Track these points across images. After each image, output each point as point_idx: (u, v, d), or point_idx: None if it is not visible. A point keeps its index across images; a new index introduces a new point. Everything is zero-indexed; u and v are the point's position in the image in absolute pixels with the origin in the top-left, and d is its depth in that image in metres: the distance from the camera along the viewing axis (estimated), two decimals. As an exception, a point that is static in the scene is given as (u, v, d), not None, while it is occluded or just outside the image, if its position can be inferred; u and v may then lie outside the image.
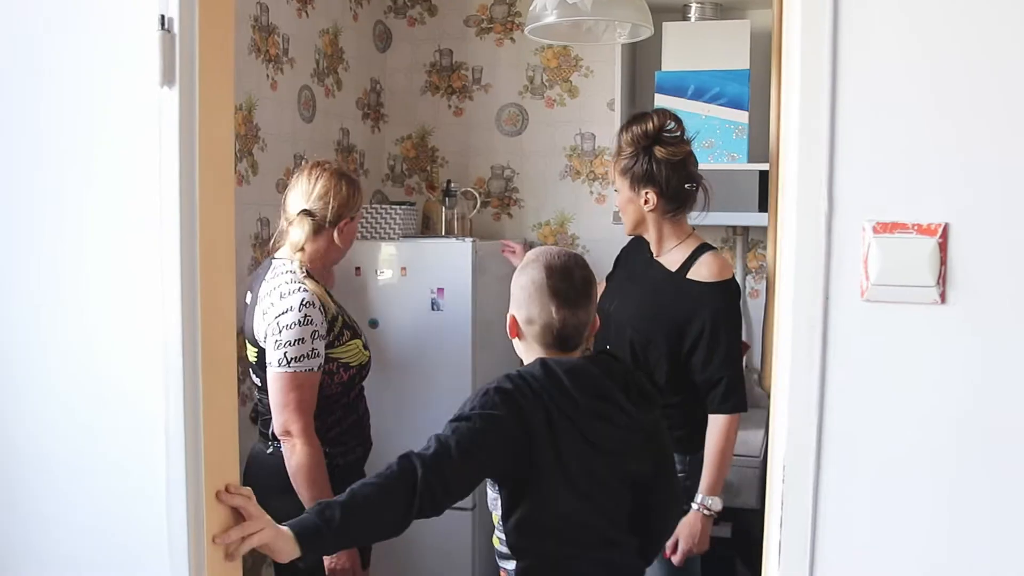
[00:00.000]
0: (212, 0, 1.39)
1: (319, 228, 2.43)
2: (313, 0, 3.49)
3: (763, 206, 3.41)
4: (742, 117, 3.45)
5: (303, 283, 2.36)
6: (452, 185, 3.76)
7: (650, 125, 2.44)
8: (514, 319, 1.92)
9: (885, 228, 1.18)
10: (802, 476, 1.21)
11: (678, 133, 2.48)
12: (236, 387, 1.50)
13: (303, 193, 2.45)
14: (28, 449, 1.48)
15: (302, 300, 2.31)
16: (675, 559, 2.45)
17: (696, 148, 3.46)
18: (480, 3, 4.01)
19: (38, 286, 1.46)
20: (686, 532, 2.43)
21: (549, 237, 3.98)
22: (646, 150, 2.45)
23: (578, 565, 1.87)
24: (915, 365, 1.19)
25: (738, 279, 3.72)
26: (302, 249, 2.41)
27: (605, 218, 3.79)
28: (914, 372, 1.19)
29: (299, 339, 2.29)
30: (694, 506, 2.44)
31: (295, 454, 2.30)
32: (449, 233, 3.72)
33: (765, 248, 3.77)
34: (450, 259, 3.32)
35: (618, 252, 2.85)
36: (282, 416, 2.30)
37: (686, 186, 2.49)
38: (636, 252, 2.67)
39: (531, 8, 2.58)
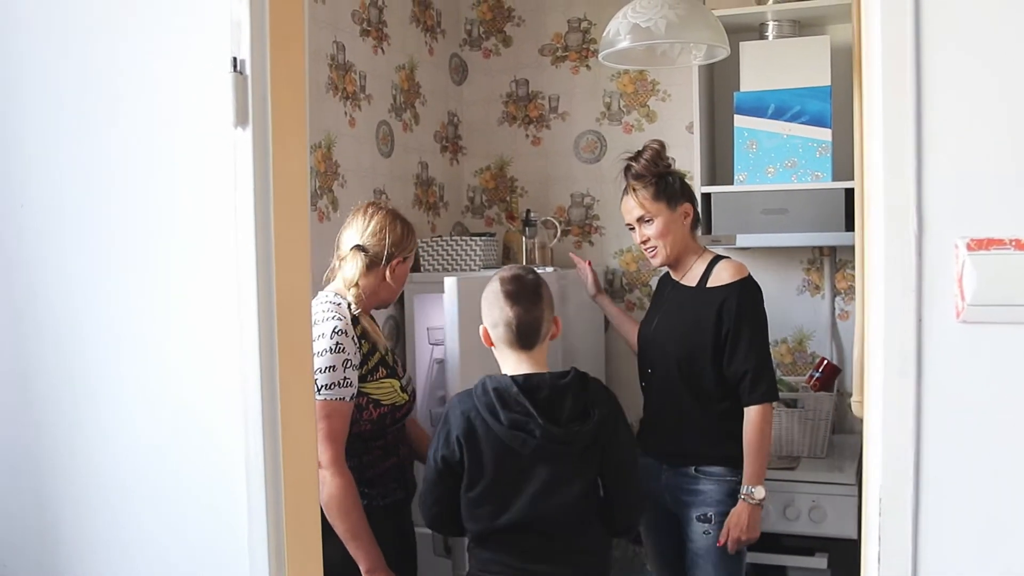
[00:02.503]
0: (284, 41, 1.41)
1: (372, 265, 2.45)
2: (389, 36, 3.54)
3: (850, 225, 3.31)
4: (825, 135, 3.36)
5: (338, 312, 2.37)
6: (532, 215, 3.75)
7: (654, 151, 2.69)
8: (484, 329, 2.25)
9: (980, 245, 1.12)
10: (900, 509, 1.15)
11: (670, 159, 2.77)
12: (314, 421, 1.51)
13: (357, 230, 2.48)
14: (109, 479, 1.50)
15: (334, 328, 2.32)
16: (729, 547, 2.59)
17: (779, 167, 3.44)
18: (555, 32, 4.01)
19: (119, 321, 1.49)
20: (735, 521, 2.57)
21: (632, 264, 3.93)
22: (667, 171, 2.69)
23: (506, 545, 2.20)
24: (1017, 388, 1.12)
25: (826, 301, 3.63)
26: (356, 285, 2.42)
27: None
28: (1017, 396, 1.12)
29: (330, 367, 2.29)
30: (740, 496, 2.57)
31: (325, 486, 2.24)
32: (531, 263, 3.71)
33: (853, 269, 3.65)
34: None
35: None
36: None
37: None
38: (663, 285, 2.87)
39: (604, 34, 2.57)
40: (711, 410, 2.68)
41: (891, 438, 1.14)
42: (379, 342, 2.47)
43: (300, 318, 1.44)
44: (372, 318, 2.53)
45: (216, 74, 1.37)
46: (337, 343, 2.31)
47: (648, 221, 2.71)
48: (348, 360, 2.33)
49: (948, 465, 1.14)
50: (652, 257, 2.76)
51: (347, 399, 2.32)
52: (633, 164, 2.71)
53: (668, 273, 2.85)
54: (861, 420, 3.60)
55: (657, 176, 2.68)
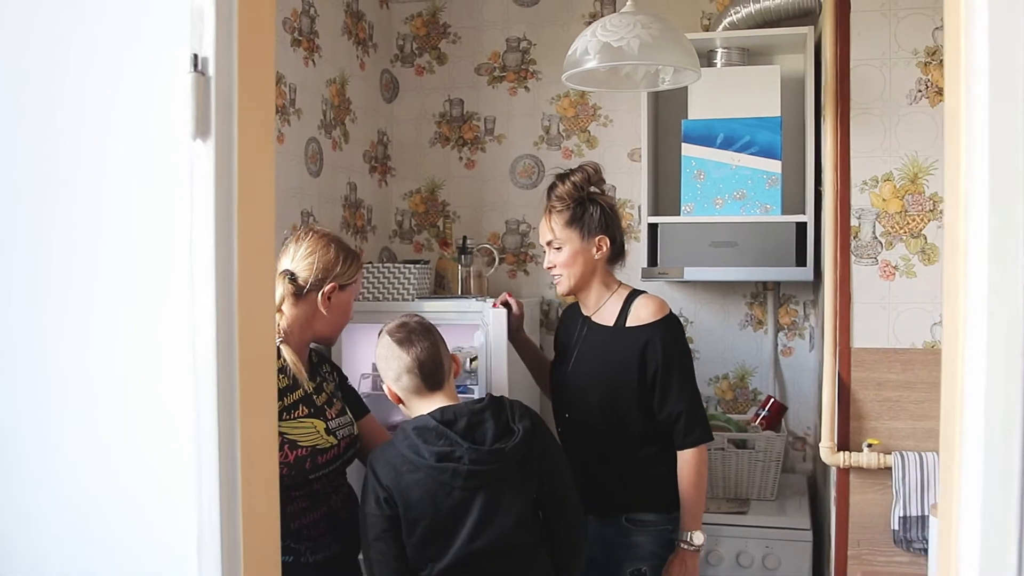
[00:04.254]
0: (254, 35, 1.18)
1: (300, 292, 2.26)
2: (320, 48, 3.30)
3: (800, 260, 3.22)
4: (775, 167, 3.26)
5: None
6: (468, 242, 3.55)
7: (583, 175, 2.49)
8: (390, 389, 2.22)
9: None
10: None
11: (603, 182, 2.58)
12: (277, 474, 1.27)
13: (290, 255, 2.31)
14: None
15: None
16: None
17: (727, 199, 3.33)
18: (492, 50, 3.83)
19: (54, 361, 1.22)
20: (677, 571, 2.46)
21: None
22: (589, 199, 2.50)
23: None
24: None
25: (769, 336, 3.53)
26: (280, 312, 2.22)
27: (630, 271, 3.58)
28: None
29: None
30: (679, 544, 2.46)
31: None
32: (466, 292, 3.50)
33: (798, 303, 3.56)
34: (476, 320, 3.09)
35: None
36: None
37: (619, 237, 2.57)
38: (569, 319, 2.68)
39: (569, 53, 2.39)
40: (637, 455, 2.53)
41: (993, 515, 0.97)
42: (301, 378, 2.26)
43: (265, 366, 1.20)
44: (319, 352, 2.30)
45: (172, 74, 1.13)
46: None
47: (558, 248, 2.54)
48: None
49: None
50: (556, 284, 2.61)
51: None
52: (558, 184, 2.53)
53: (577, 305, 2.68)
54: (806, 459, 3.53)
55: (577, 202, 2.50)
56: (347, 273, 2.31)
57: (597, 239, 2.51)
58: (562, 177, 2.53)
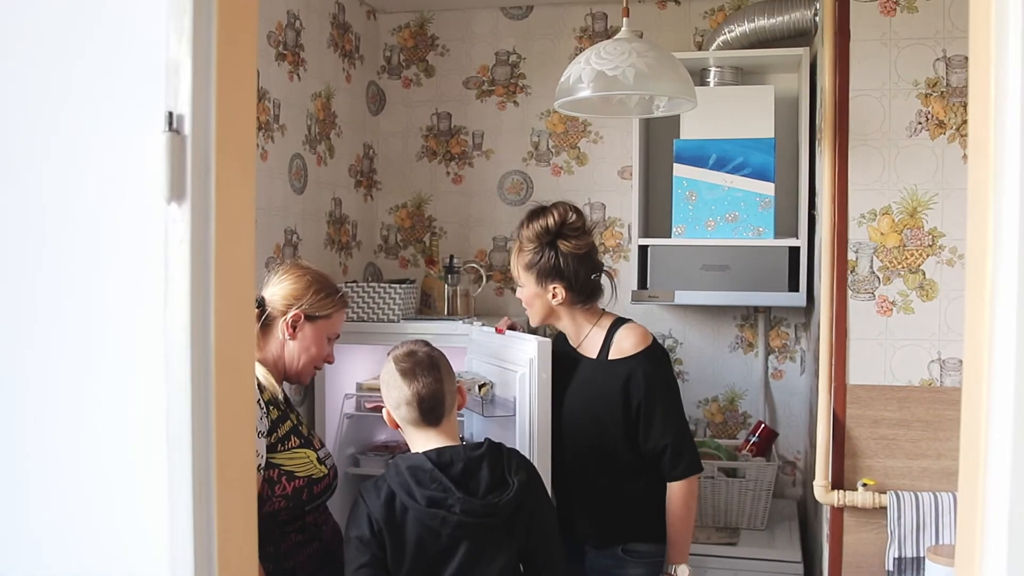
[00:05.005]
0: (233, 91, 1.10)
1: (268, 319, 2.22)
2: (305, 61, 3.22)
3: (793, 285, 3.17)
4: (768, 189, 3.20)
5: None
6: (455, 260, 3.47)
7: (551, 220, 2.43)
8: (388, 414, 2.15)
9: None
10: None
11: (580, 225, 2.47)
12: (256, 541, 1.20)
13: (266, 284, 2.30)
14: None
15: None
16: None
17: (719, 221, 3.27)
18: (481, 64, 3.76)
19: (28, 439, 1.14)
20: None
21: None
22: (550, 245, 2.44)
23: None
24: None
25: (760, 359, 3.48)
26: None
27: (619, 292, 3.52)
28: None
29: None
30: None
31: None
32: (452, 312, 3.43)
33: (789, 326, 3.51)
34: (463, 343, 3.02)
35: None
36: None
37: (592, 277, 2.49)
38: (559, 348, 2.58)
39: (562, 81, 2.32)
40: (629, 487, 2.49)
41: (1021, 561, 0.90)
42: (279, 403, 2.23)
43: (245, 450, 1.13)
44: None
45: (145, 133, 1.06)
46: None
47: (522, 286, 2.54)
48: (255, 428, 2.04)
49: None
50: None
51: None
52: (525, 224, 2.48)
53: (563, 335, 2.62)
54: (796, 484, 3.48)
55: (538, 245, 2.45)
56: (318, 304, 2.25)
57: (552, 286, 2.46)
58: (532, 217, 2.48)
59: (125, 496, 1.10)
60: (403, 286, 3.25)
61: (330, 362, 2.34)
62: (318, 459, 2.23)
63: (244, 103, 1.13)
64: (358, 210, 3.71)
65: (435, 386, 2.08)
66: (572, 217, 2.45)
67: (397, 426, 2.15)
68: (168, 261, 1.07)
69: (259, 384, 2.13)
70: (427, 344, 2.19)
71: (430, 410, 2.08)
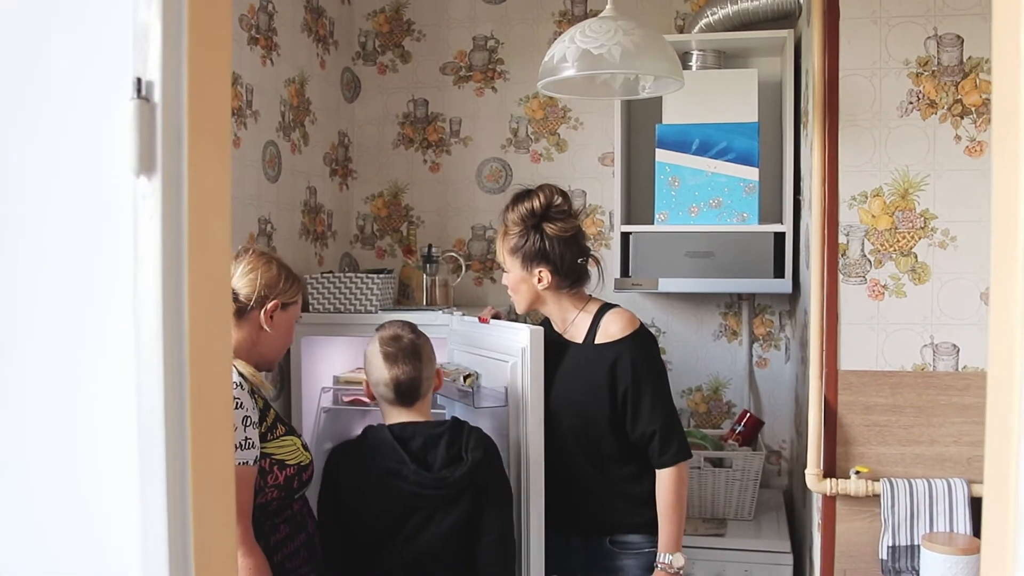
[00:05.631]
0: (206, 55, 1.03)
1: (242, 312, 2.14)
2: (278, 46, 3.12)
3: (778, 271, 3.12)
4: (752, 174, 3.15)
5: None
6: (433, 250, 3.40)
7: (537, 202, 2.40)
8: (367, 387, 2.32)
9: None
10: None
11: (566, 208, 2.43)
12: (234, 539, 1.13)
13: (232, 274, 2.19)
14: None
15: None
16: None
17: (703, 207, 3.21)
18: (458, 49, 3.68)
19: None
20: None
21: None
22: (535, 228, 2.41)
23: None
24: None
25: (744, 347, 3.43)
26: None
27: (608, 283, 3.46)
28: None
29: None
30: (657, 565, 2.35)
31: (238, 572, 1.93)
32: (431, 302, 3.35)
33: (773, 314, 3.47)
34: (443, 333, 2.95)
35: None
36: None
37: (579, 261, 2.45)
38: (547, 333, 2.49)
39: (545, 60, 2.25)
40: (617, 477, 2.44)
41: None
42: (267, 391, 2.20)
43: (223, 434, 1.05)
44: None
45: (111, 100, 0.97)
46: (234, 398, 1.96)
47: (507, 271, 2.50)
48: (248, 417, 2.00)
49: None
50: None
51: (251, 463, 1.99)
52: (510, 208, 2.45)
53: (548, 320, 2.58)
54: (782, 474, 3.43)
55: (523, 229, 2.42)
56: (289, 292, 2.22)
57: (537, 270, 2.41)
58: (517, 200, 2.44)
59: (92, 494, 1.02)
60: (380, 276, 3.17)
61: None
62: (303, 445, 2.20)
63: (218, 70, 1.05)
64: (333, 199, 3.62)
65: (413, 373, 2.24)
66: (558, 200, 2.41)
67: (374, 399, 2.31)
68: (138, 239, 0.99)
69: (242, 375, 2.08)
70: (413, 329, 2.31)
71: (405, 393, 2.24)
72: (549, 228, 2.39)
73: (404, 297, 3.50)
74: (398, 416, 2.25)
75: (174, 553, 0.99)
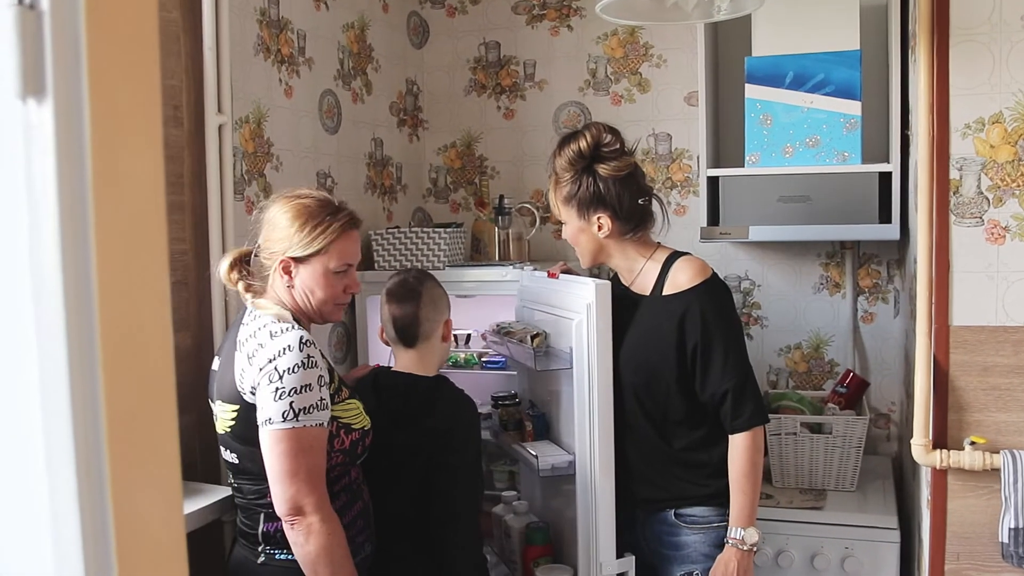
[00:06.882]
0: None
1: (265, 267, 2.01)
2: (334, -11, 2.94)
3: (884, 216, 2.80)
4: (854, 108, 2.82)
5: (294, 322, 1.92)
6: (506, 201, 3.19)
7: (584, 143, 2.20)
8: (380, 327, 2.36)
9: None
10: None
11: (617, 146, 2.23)
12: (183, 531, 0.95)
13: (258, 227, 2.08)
14: None
15: (301, 338, 1.85)
16: None
17: (798, 147, 2.91)
18: (531, -14, 3.43)
19: None
20: (720, 571, 2.16)
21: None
22: (587, 170, 2.22)
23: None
24: None
25: (848, 301, 3.12)
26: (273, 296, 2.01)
27: (688, 231, 3.20)
28: None
29: (304, 385, 1.82)
30: (727, 541, 2.16)
31: (313, 537, 1.81)
32: (504, 258, 3.15)
33: (880, 264, 3.14)
34: (513, 290, 2.75)
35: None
36: (291, 489, 1.80)
37: (639, 201, 2.25)
38: (614, 288, 2.28)
39: (604, -22, 2.00)
40: (683, 443, 2.23)
41: None
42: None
43: (151, 432, 0.87)
44: None
45: (-11, 7, 0.79)
46: (308, 356, 1.85)
47: (564, 223, 2.31)
48: (321, 377, 1.87)
49: None
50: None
51: (325, 424, 1.87)
52: (556, 153, 2.24)
53: (616, 275, 2.38)
54: (890, 439, 3.12)
55: (574, 174, 2.23)
56: (306, 241, 1.94)
57: (596, 217, 2.23)
58: (563, 143, 2.24)
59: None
60: (448, 230, 2.98)
61: (354, 291, 2.07)
62: (365, 409, 2.07)
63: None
64: (403, 151, 3.44)
65: (411, 313, 2.25)
66: (607, 137, 2.21)
67: (387, 342, 2.34)
68: (32, 180, 0.80)
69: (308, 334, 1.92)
70: (422, 276, 2.32)
71: (402, 332, 2.26)
72: (602, 169, 2.19)
73: (476, 252, 3.31)
74: (399, 358, 2.30)
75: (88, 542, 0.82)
